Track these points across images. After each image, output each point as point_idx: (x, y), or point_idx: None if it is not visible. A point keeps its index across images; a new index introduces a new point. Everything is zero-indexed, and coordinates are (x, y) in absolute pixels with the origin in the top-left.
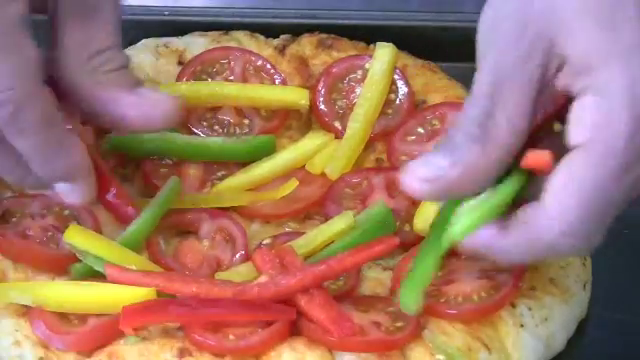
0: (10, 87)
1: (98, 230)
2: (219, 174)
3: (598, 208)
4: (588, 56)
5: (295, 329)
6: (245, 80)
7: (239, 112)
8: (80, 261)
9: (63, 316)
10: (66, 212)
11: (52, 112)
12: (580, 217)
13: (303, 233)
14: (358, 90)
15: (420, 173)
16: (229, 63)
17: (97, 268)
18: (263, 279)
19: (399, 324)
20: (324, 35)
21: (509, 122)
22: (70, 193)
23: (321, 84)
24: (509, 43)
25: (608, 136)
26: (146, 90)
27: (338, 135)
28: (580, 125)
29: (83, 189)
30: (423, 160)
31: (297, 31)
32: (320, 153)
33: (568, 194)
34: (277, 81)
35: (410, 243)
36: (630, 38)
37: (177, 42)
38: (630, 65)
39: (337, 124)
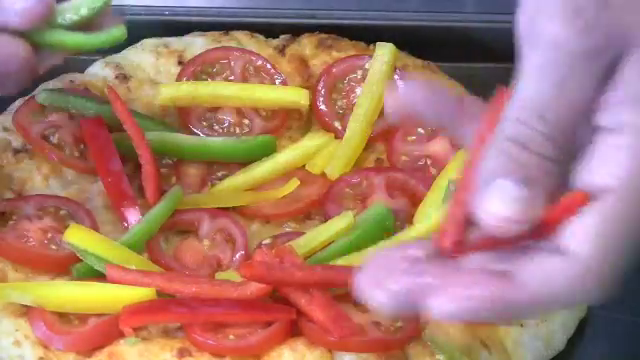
0: None
1: (96, 230)
2: (219, 174)
3: (628, 253)
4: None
5: (295, 329)
6: (245, 80)
7: (239, 112)
8: (81, 261)
9: (63, 316)
10: (62, 212)
11: None
12: (617, 265)
13: (303, 233)
14: (358, 90)
15: (509, 213)
16: (229, 63)
17: (97, 268)
18: None
19: (399, 324)
20: (324, 35)
21: (574, 139)
22: None
23: (321, 84)
24: (573, 37)
25: None
26: None
27: (338, 135)
28: (614, 166)
29: None
30: (503, 189)
31: (297, 31)
32: (320, 153)
33: (607, 243)
34: (277, 81)
35: None
36: None
37: (177, 42)
38: None
39: (337, 124)
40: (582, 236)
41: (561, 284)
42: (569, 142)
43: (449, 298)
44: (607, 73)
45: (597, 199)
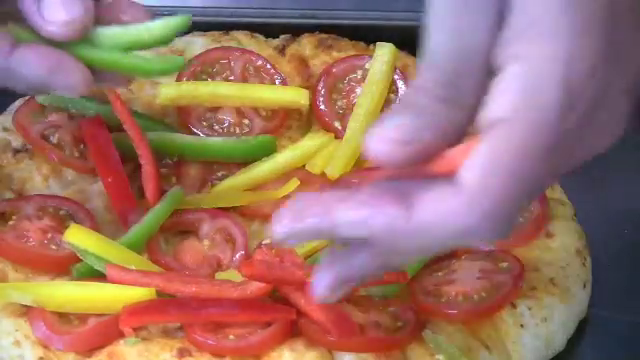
0: None
1: (96, 230)
2: (219, 174)
3: (523, 188)
4: (533, 21)
5: (295, 329)
6: (245, 80)
7: (239, 112)
8: (81, 261)
9: (63, 316)
10: (62, 212)
11: None
12: (504, 197)
13: None
14: (358, 90)
15: (392, 135)
16: (229, 63)
17: (97, 268)
18: None
19: (399, 324)
20: (324, 35)
21: (475, 82)
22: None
23: (321, 84)
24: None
25: (538, 110)
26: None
27: (338, 135)
28: (504, 96)
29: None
30: (389, 123)
31: (297, 31)
32: (320, 153)
33: (492, 172)
34: (277, 81)
35: None
36: (584, 16)
37: (177, 42)
38: (574, 42)
39: (337, 124)
40: (470, 167)
41: (448, 214)
42: (469, 86)
43: (350, 208)
44: (501, 13)
45: (489, 131)
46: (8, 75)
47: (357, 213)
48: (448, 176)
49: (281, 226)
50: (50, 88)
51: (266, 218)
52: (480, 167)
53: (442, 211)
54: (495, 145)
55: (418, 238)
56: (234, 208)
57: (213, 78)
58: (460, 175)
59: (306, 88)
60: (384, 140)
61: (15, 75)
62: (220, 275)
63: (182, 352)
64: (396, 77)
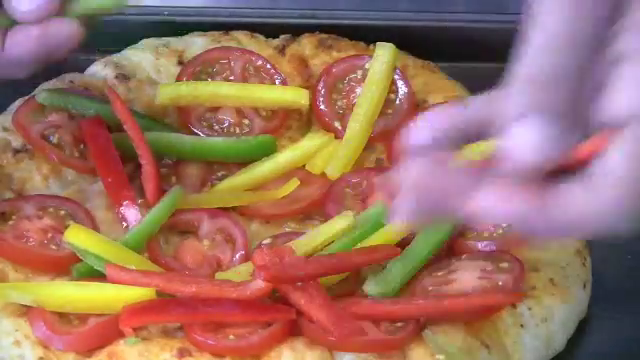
0: None
1: (96, 230)
2: (219, 174)
3: None
4: None
5: (295, 329)
6: (245, 80)
7: (239, 112)
8: (81, 261)
9: (63, 316)
10: (62, 212)
11: None
12: None
13: (303, 233)
14: (358, 90)
15: (541, 145)
16: (229, 63)
17: (97, 268)
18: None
19: (399, 324)
20: (324, 35)
21: (589, 69)
22: None
23: (321, 84)
24: None
25: None
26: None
27: (338, 135)
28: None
29: None
30: (536, 124)
31: (297, 31)
32: (320, 153)
33: (637, 173)
34: (277, 81)
35: (409, 243)
36: None
37: (177, 42)
38: None
39: (337, 124)
40: (617, 159)
41: (597, 209)
42: (589, 73)
43: (494, 197)
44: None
45: (627, 126)
46: (6, 64)
47: (496, 204)
48: (578, 168)
49: (406, 203)
50: (48, 54)
51: (266, 218)
52: (629, 160)
53: (592, 208)
54: (634, 145)
55: (556, 232)
56: (234, 208)
57: (213, 78)
58: (607, 169)
59: (306, 88)
60: (533, 153)
61: (12, 61)
62: (220, 275)
63: (182, 352)
64: (396, 77)
